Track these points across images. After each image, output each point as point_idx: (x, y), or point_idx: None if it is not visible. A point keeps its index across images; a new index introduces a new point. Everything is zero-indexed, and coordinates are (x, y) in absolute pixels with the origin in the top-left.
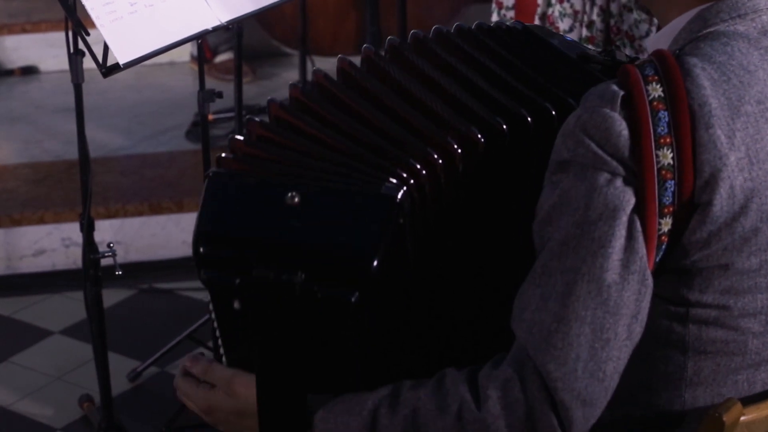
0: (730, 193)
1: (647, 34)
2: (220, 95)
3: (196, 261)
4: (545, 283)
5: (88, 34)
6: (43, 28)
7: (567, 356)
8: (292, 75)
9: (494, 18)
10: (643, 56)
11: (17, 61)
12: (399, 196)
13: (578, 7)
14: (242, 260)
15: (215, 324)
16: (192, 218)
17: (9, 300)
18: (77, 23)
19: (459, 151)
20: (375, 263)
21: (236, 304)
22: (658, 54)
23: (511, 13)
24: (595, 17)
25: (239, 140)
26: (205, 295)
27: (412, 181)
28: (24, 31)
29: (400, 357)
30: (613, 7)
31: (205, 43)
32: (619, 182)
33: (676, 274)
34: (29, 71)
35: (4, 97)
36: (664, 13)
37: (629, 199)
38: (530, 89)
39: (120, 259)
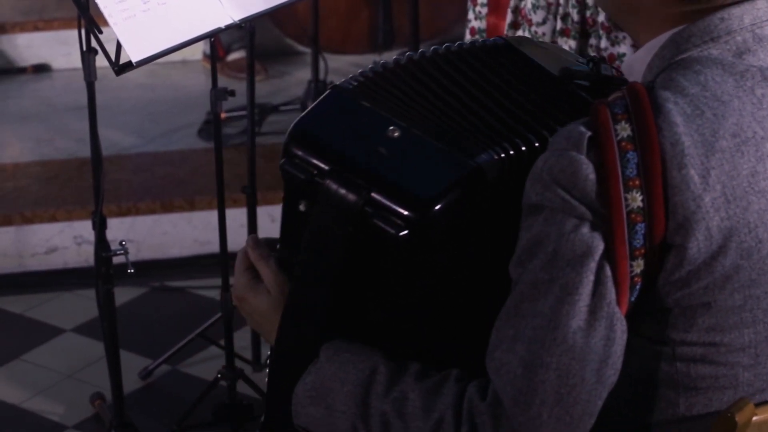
0: (706, 234)
1: None
2: (232, 93)
3: (283, 150)
4: (516, 324)
5: (100, 32)
6: (56, 26)
7: (532, 401)
8: (305, 73)
9: (470, 15)
10: (620, 48)
11: (30, 58)
12: (486, 171)
13: None
14: (323, 166)
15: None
16: (203, 216)
17: (21, 298)
18: (90, 21)
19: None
20: (436, 209)
21: (302, 206)
22: (631, 89)
23: (484, 10)
24: (570, 9)
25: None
26: (216, 294)
27: (500, 159)
28: (36, 29)
29: (418, 331)
30: None
31: (217, 41)
32: (587, 227)
33: (659, 315)
34: (41, 69)
35: (16, 95)
36: (637, 34)
37: (598, 245)
38: (513, 119)
39: (132, 257)
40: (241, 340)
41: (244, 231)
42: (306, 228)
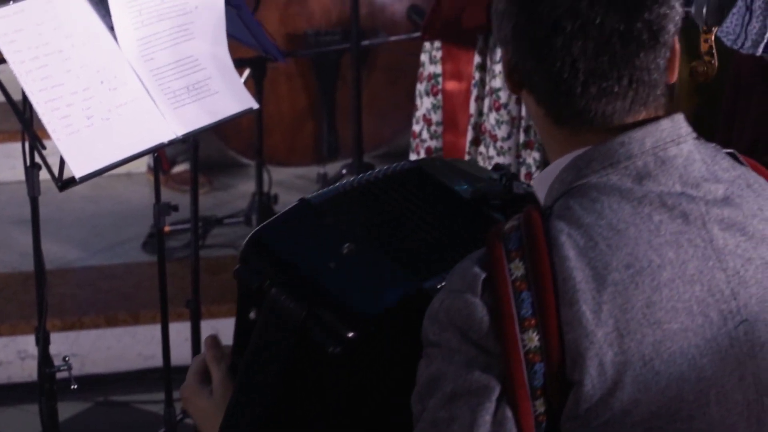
0: (600, 370)
1: None
2: (175, 208)
3: (240, 256)
4: None
5: (44, 147)
6: (0, 139)
7: None
8: (249, 186)
9: (425, 135)
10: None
11: None
12: (432, 294)
13: (515, 113)
14: (272, 275)
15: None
16: (148, 330)
17: None
18: (33, 136)
19: None
20: (374, 327)
21: (252, 314)
22: (526, 219)
23: (440, 128)
24: (532, 121)
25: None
26: (159, 408)
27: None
28: None
29: None
30: None
31: (162, 154)
32: (484, 368)
33: None
34: None
35: None
36: (549, 152)
37: (494, 386)
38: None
39: (76, 371)
40: None
41: (188, 345)
42: (253, 335)
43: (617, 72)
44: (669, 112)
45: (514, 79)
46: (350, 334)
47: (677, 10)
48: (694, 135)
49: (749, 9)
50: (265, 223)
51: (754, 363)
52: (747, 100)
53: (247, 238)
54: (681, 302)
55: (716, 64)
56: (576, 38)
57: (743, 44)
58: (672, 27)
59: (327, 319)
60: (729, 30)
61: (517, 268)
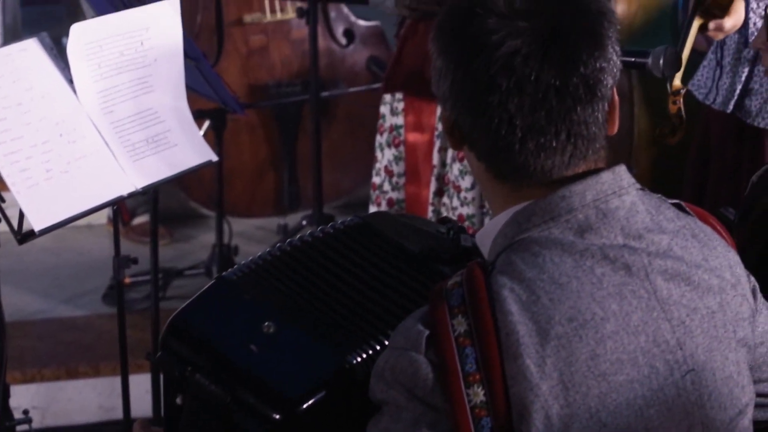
0: (546, 423)
1: None
2: (135, 261)
3: (160, 342)
4: None
5: (3, 200)
6: None
7: None
8: (209, 237)
9: (386, 186)
10: None
11: None
12: (357, 370)
13: None
14: (195, 361)
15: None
16: (108, 383)
17: None
18: None
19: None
20: (299, 409)
21: (178, 399)
22: (468, 276)
23: (402, 180)
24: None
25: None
26: None
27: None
28: None
29: None
30: None
31: (122, 206)
32: (431, 425)
33: None
34: None
35: None
36: (491, 207)
37: None
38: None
39: (36, 424)
40: None
41: (149, 397)
42: (180, 421)
43: (555, 127)
44: (610, 164)
45: (455, 135)
46: (276, 416)
47: (615, 63)
48: (638, 186)
49: (719, 64)
50: (184, 305)
51: (703, 412)
52: (720, 157)
53: (168, 321)
54: (626, 354)
55: (684, 127)
56: (512, 95)
57: (714, 99)
58: (610, 80)
59: (251, 402)
60: (701, 83)
61: (460, 324)
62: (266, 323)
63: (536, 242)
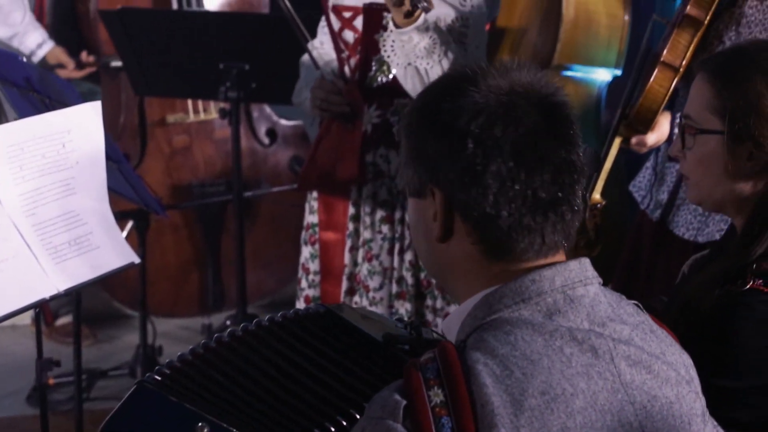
0: None
1: None
2: (57, 364)
3: None
4: None
5: None
6: None
7: None
8: (133, 337)
9: (303, 283)
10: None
11: None
12: None
13: (387, 264)
14: None
15: None
16: None
17: None
18: None
19: None
20: None
21: None
22: (441, 351)
23: (317, 278)
24: (404, 272)
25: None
26: None
27: None
28: None
29: None
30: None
31: (46, 306)
32: None
33: None
34: None
35: None
36: (457, 294)
37: None
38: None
39: None
40: None
41: None
42: None
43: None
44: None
45: (447, 223)
46: None
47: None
48: (600, 280)
49: (654, 171)
50: (110, 414)
51: None
52: (650, 261)
53: None
54: (594, 429)
55: (602, 242)
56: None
57: (649, 205)
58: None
59: None
60: (641, 185)
61: (437, 395)
62: (199, 423)
63: (507, 322)
